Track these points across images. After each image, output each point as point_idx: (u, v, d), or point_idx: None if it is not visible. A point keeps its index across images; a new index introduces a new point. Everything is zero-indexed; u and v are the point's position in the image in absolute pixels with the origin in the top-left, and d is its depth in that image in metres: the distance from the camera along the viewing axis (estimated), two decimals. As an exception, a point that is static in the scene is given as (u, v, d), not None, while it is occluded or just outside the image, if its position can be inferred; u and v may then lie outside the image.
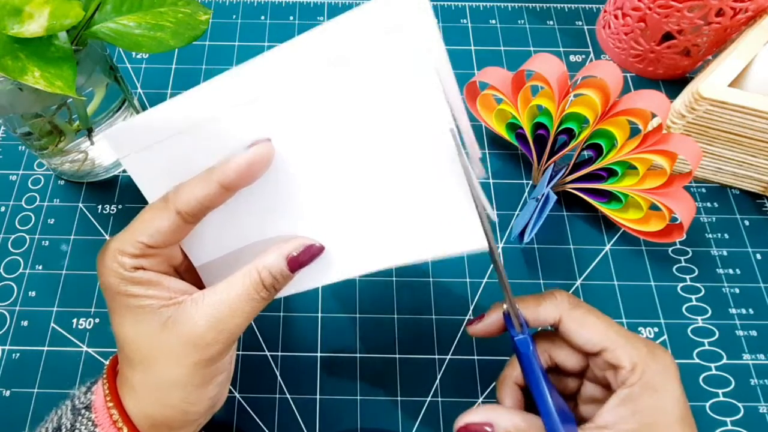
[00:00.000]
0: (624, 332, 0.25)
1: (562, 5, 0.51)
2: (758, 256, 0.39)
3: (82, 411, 0.24)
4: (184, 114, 0.23)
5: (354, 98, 0.22)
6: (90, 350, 0.36)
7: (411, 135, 0.22)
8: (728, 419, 0.34)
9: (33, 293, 0.38)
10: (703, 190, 0.42)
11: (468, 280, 0.38)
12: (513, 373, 0.27)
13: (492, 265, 0.23)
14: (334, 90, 0.22)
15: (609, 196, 0.38)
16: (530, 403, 0.26)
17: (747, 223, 0.40)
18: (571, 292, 0.38)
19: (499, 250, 0.39)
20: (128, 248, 0.23)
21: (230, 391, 0.35)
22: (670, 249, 0.39)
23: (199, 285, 0.27)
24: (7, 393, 0.34)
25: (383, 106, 0.22)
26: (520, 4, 0.51)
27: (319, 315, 0.37)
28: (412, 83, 0.21)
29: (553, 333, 0.27)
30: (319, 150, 0.23)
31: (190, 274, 0.27)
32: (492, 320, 0.27)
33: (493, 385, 0.35)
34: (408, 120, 0.22)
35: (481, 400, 0.34)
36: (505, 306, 0.26)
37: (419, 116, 0.21)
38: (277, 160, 0.23)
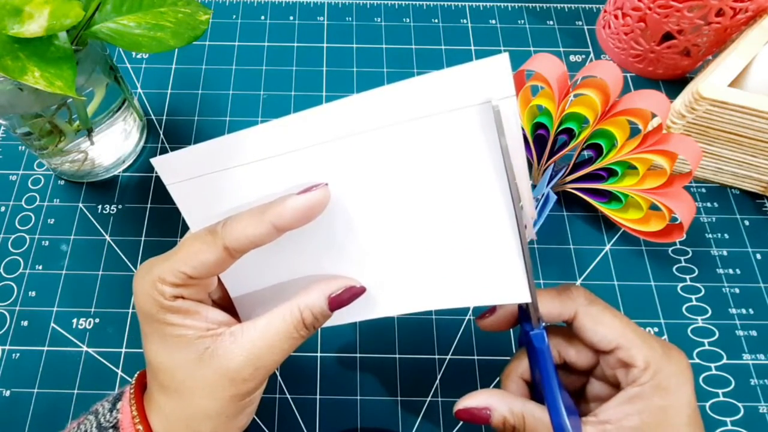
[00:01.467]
0: (640, 332, 0.25)
1: (562, 5, 0.51)
2: (758, 256, 0.39)
3: (110, 430, 0.23)
4: (241, 150, 0.23)
5: (417, 148, 0.22)
6: (90, 350, 0.36)
7: (469, 187, 0.22)
8: (728, 419, 0.34)
9: (33, 293, 0.38)
10: (703, 190, 0.42)
11: (468, 280, 0.38)
12: (519, 367, 0.27)
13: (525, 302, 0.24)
14: (395, 141, 0.22)
15: (609, 196, 0.38)
16: (535, 398, 0.26)
17: (747, 223, 0.40)
18: (571, 292, 0.38)
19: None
20: (170, 277, 0.22)
21: (230, 391, 0.35)
22: (670, 249, 0.39)
23: (231, 310, 0.27)
24: (7, 393, 0.34)
25: (445, 158, 0.22)
26: (520, 4, 0.51)
27: (319, 315, 0.37)
28: (474, 131, 0.21)
29: (563, 329, 0.27)
30: (373, 198, 0.23)
31: (222, 300, 0.27)
32: (504, 313, 0.27)
33: (493, 385, 0.35)
34: (467, 172, 0.22)
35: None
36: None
37: (480, 171, 0.22)
38: (330, 204, 0.23)
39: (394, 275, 0.24)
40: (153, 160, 0.24)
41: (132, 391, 0.25)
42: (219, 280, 0.26)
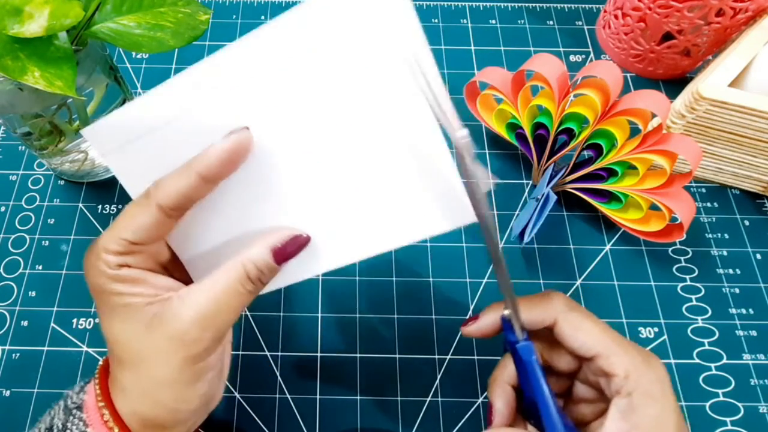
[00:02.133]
0: (619, 339, 0.25)
1: (562, 5, 0.51)
2: (758, 256, 0.39)
3: (74, 411, 0.23)
4: (162, 107, 0.23)
5: (331, 84, 0.21)
6: (90, 350, 0.36)
7: (389, 115, 0.21)
8: (728, 419, 0.34)
9: (33, 293, 0.37)
10: (703, 190, 0.42)
11: (468, 280, 0.38)
12: (504, 373, 0.27)
13: (470, 222, 0.22)
14: (310, 77, 0.21)
15: (609, 196, 0.38)
16: (522, 402, 0.26)
17: (747, 223, 0.40)
18: (571, 292, 0.38)
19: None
20: (112, 246, 0.22)
21: (230, 391, 0.35)
22: (670, 249, 0.39)
23: (188, 280, 0.26)
24: (7, 393, 0.34)
25: (360, 89, 0.21)
26: (520, 4, 0.51)
27: (319, 315, 0.37)
28: (386, 62, 0.20)
29: (546, 333, 0.27)
30: (299, 138, 0.23)
31: (178, 270, 0.26)
32: (487, 322, 0.27)
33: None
34: (385, 100, 0.21)
35: (480, 400, 0.34)
36: (506, 311, 0.26)
37: (394, 93, 0.21)
38: (258, 151, 0.23)
39: (338, 221, 0.24)
40: (84, 131, 0.23)
41: (98, 371, 0.25)
42: (172, 251, 0.26)
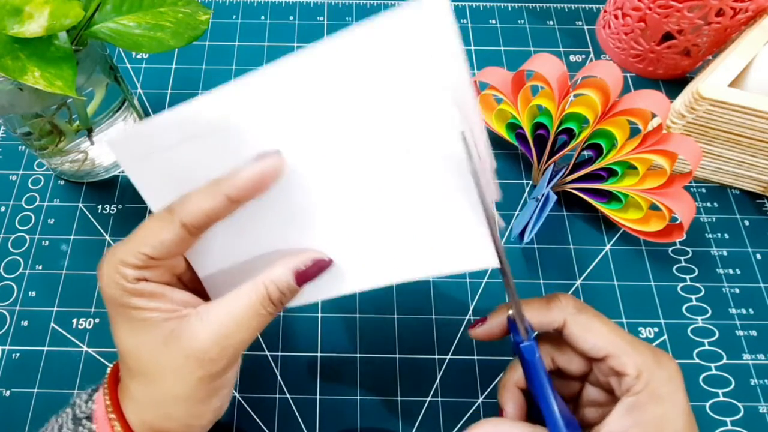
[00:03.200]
0: (630, 338, 0.24)
1: (562, 5, 0.51)
2: (758, 256, 0.39)
3: (83, 421, 0.23)
4: (192, 122, 0.22)
5: (368, 112, 0.21)
6: (90, 350, 0.36)
7: (424, 151, 0.21)
8: (728, 419, 0.34)
9: (33, 293, 0.37)
10: (703, 190, 0.42)
11: (468, 280, 0.38)
12: (514, 376, 0.27)
13: (493, 267, 0.23)
14: (347, 103, 0.21)
15: (609, 196, 0.38)
16: (533, 406, 0.26)
17: (747, 223, 0.40)
18: (571, 292, 0.38)
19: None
20: (131, 259, 0.22)
21: (230, 391, 0.35)
22: (670, 249, 0.39)
23: (203, 294, 0.26)
24: (7, 393, 0.34)
25: (396, 120, 0.21)
26: (520, 4, 0.51)
27: (319, 315, 0.37)
28: (427, 100, 0.20)
29: (556, 336, 0.27)
30: (330, 162, 0.22)
31: (193, 282, 0.26)
32: (494, 324, 0.27)
33: (493, 385, 0.35)
34: (421, 136, 0.21)
35: (480, 400, 0.34)
36: (510, 311, 0.26)
37: (433, 133, 0.21)
38: (288, 172, 0.22)
39: (360, 247, 0.24)
40: (107, 141, 0.23)
41: (106, 380, 0.24)
42: (188, 263, 0.26)
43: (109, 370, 0.25)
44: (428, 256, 0.23)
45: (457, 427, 0.34)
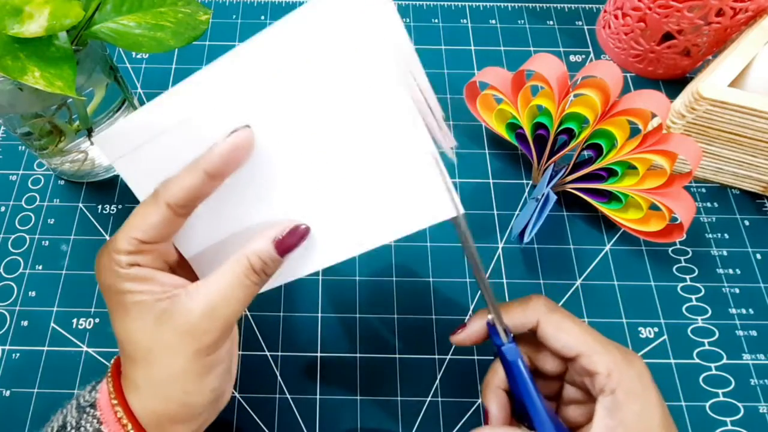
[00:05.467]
0: (600, 338, 0.25)
1: (562, 5, 0.51)
2: (758, 256, 0.39)
3: (87, 409, 0.24)
4: (167, 113, 0.23)
5: (324, 87, 0.22)
6: (90, 350, 0.36)
7: (378, 116, 0.22)
8: (728, 419, 0.34)
9: (33, 293, 0.37)
10: (703, 190, 0.42)
11: (468, 280, 0.38)
12: (495, 377, 0.27)
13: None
14: (305, 81, 0.22)
15: (609, 196, 0.38)
16: (516, 406, 0.27)
17: (747, 223, 0.40)
18: (571, 292, 0.38)
19: (499, 250, 0.39)
20: (123, 245, 0.23)
21: (230, 391, 0.35)
22: (670, 249, 0.39)
23: (195, 279, 0.27)
24: (7, 393, 0.34)
25: (350, 91, 0.22)
26: (520, 4, 0.51)
27: (319, 315, 0.37)
28: (366, 61, 0.21)
29: (532, 337, 0.27)
30: (296, 138, 0.23)
31: (185, 270, 0.27)
32: (475, 329, 0.27)
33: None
34: (373, 102, 0.22)
35: (480, 400, 0.34)
36: (489, 316, 0.26)
37: (378, 94, 0.22)
38: (257, 151, 0.24)
39: (334, 217, 0.25)
40: (94, 139, 0.24)
41: (110, 370, 0.25)
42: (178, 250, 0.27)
43: (112, 361, 0.26)
44: (395, 218, 0.24)
45: (457, 427, 0.34)
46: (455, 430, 0.34)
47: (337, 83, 0.22)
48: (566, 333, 0.25)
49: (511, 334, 0.26)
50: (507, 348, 0.25)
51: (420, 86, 0.22)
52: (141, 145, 0.24)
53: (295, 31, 0.21)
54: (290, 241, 0.24)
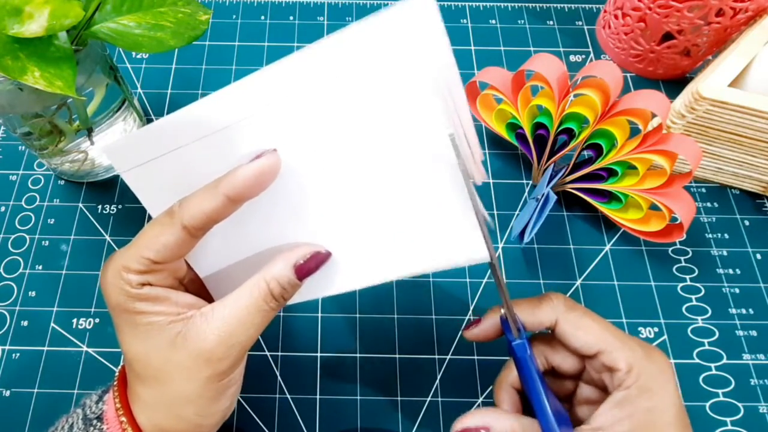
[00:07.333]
0: (620, 334, 0.25)
1: (562, 5, 0.51)
2: (758, 256, 0.39)
3: (94, 422, 0.23)
4: (187, 127, 0.22)
5: (358, 110, 0.21)
6: (90, 350, 0.36)
7: (413, 146, 0.22)
8: (728, 419, 0.34)
9: (33, 293, 0.37)
10: (703, 190, 0.42)
11: (468, 280, 0.38)
12: (509, 376, 0.27)
13: (484, 261, 0.23)
14: (338, 102, 0.21)
15: (609, 196, 0.38)
16: (528, 406, 0.26)
17: (747, 223, 0.40)
18: (570, 292, 0.38)
19: (499, 250, 0.39)
20: (134, 265, 0.22)
21: (230, 391, 0.35)
22: (670, 249, 0.39)
23: (205, 295, 0.26)
24: (7, 393, 0.34)
25: (386, 118, 0.21)
26: (520, 4, 0.51)
27: (319, 315, 0.37)
28: (412, 95, 0.21)
29: (549, 336, 0.27)
30: (323, 160, 0.23)
31: (194, 284, 0.26)
32: (488, 324, 0.27)
33: (490, 388, 0.35)
34: (409, 131, 0.21)
35: (480, 400, 0.34)
36: (502, 311, 0.26)
37: (420, 127, 0.21)
38: (283, 170, 0.23)
39: (357, 244, 0.24)
40: (104, 149, 0.23)
41: (116, 382, 0.25)
42: (189, 265, 0.26)
43: (117, 373, 0.25)
44: (422, 252, 0.23)
45: (457, 427, 0.34)
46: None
47: (375, 107, 0.21)
48: (585, 331, 0.25)
49: (525, 331, 0.25)
50: (518, 344, 0.25)
51: (459, 114, 0.22)
52: (154, 158, 0.23)
53: (333, 51, 0.20)
54: (311, 266, 0.23)
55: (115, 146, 0.23)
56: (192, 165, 0.23)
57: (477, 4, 0.51)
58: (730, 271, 0.39)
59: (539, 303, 0.26)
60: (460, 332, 0.36)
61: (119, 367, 0.26)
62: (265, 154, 0.22)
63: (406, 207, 0.23)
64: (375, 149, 0.22)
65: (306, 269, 0.23)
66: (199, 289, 0.26)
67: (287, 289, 0.23)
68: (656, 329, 0.37)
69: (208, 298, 0.26)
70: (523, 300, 0.26)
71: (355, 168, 0.22)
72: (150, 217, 0.24)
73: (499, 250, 0.39)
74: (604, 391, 0.25)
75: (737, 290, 0.38)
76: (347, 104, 0.21)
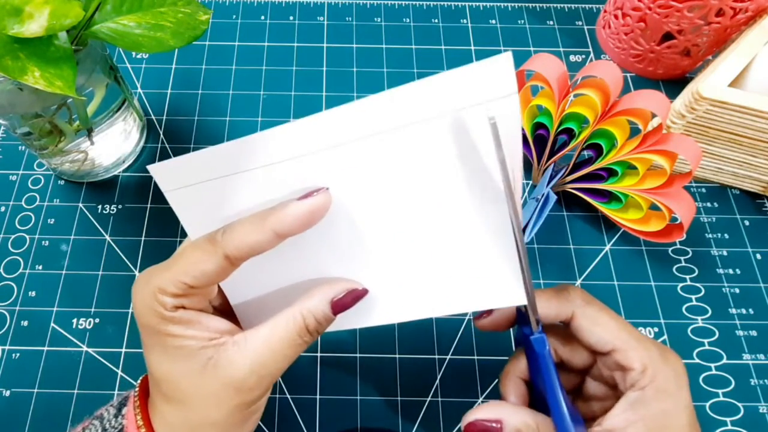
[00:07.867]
0: (636, 334, 0.24)
1: (562, 5, 0.51)
2: (758, 256, 0.39)
3: None
4: (239, 157, 0.23)
5: (415, 153, 0.22)
6: (90, 350, 0.36)
7: (465, 190, 0.22)
8: (728, 419, 0.34)
9: (33, 293, 0.37)
10: (703, 190, 0.42)
11: (468, 280, 0.38)
12: (517, 367, 0.26)
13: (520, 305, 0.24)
14: (388, 147, 0.22)
15: (609, 196, 0.38)
16: (534, 397, 0.26)
17: (747, 223, 0.40)
18: (571, 292, 0.38)
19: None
20: (170, 288, 0.22)
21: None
22: (670, 249, 0.39)
23: (232, 315, 0.26)
24: (7, 393, 0.34)
25: (441, 159, 0.22)
26: (520, 4, 0.51)
27: (319, 315, 0.37)
28: (473, 134, 0.21)
29: (559, 328, 0.27)
30: (371, 199, 0.23)
31: (223, 306, 0.26)
32: (501, 314, 0.27)
33: (493, 384, 0.35)
34: (464, 174, 0.22)
35: (480, 400, 0.34)
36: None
37: (476, 171, 0.22)
38: (331, 207, 0.23)
39: (395, 280, 0.24)
40: (150, 167, 0.23)
41: (136, 397, 0.25)
42: (219, 286, 0.26)
43: (137, 387, 0.25)
44: (461, 294, 0.24)
45: (457, 427, 0.34)
46: (455, 430, 0.34)
47: (430, 148, 0.21)
48: (602, 327, 0.24)
49: (541, 324, 0.25)
50: (537, 338, 0.24)
51: (514, 168, 0.22)
52: (201, 182, 0.23)
53: (399, 101, 0.21)
54: (347, 302, 0.24)
55: (160, 166, 0.23)
56: (239, 193, 0.23)
57: (477, 4, 0.51)
58: (730, 271, 0.39)
59: (557, 295, 0.25)
60: (459, 332, 0.36)
61: (140, 379, 0.26)
62: (319, 192, 0.22)
63: (450, 250, 0.23)
64: (425, 195, 0.22)
65: (342, 305, 0.23)
66: (226, 309, 0.26)
67: (322, 324, 0.23)
68: (656, 329, 0.37)
69: (236, 320, 0.26)
70: (540, 291, 0.26)
71: (399, 208, 0.23)
72: (183, 236, 0.24)
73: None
74: (614, 388, 0.25)
75: (737, 290, 0.38)
76: (403, 148, 0.22)
